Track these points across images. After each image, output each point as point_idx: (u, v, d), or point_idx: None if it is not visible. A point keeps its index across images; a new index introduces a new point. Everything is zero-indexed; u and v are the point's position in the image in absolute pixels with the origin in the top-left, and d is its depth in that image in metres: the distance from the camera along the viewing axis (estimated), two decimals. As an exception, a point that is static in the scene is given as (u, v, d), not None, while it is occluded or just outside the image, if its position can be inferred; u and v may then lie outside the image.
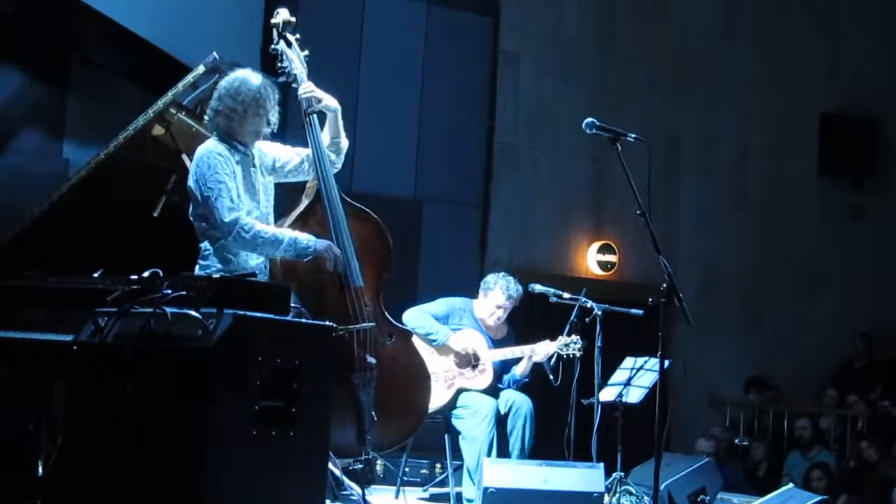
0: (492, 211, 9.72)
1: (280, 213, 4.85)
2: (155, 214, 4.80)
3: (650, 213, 4.60)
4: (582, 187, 10.10)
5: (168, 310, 3.44)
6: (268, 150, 4.77)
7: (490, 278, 6.25)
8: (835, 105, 11.02)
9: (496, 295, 6.15)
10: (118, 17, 6.90)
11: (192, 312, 3.41)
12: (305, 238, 4.61)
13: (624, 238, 10.03)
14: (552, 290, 6.22)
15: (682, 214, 10.57)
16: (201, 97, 4.89)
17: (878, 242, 10.99)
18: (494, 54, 9.79)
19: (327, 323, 3.95)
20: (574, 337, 6.08)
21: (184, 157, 4.82)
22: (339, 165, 4.99)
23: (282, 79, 4.91)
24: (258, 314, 3.54)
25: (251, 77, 4.56)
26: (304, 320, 4.33)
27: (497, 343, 6.20)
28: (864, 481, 8.27)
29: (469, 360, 6.02)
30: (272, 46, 4.96)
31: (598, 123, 4.66)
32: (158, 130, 4.79)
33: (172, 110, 4.78)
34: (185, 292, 3.50)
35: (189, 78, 4.77)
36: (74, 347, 3.55)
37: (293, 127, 5.07)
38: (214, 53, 4.82)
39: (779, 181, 10.95)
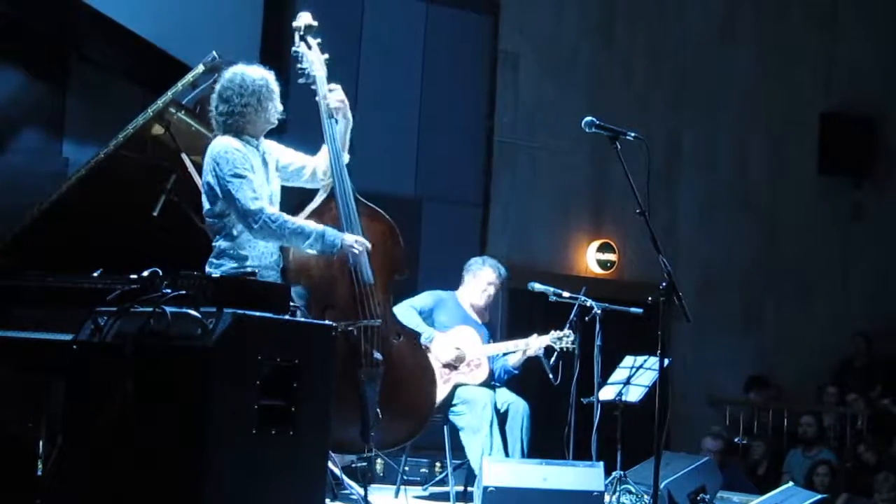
0: (491, 210, 9.73)
1: (290, 209, 4.85)
2: (155, 214, 4.80)
3: (650, 212, 4.60)
4: (582, 186, 10.11)
5: (168, 309, 3.44)
6: (274, 150, 4.80)
7: (474, 261, 6.34)
8: (835, 105, 11.02)
9: (487, 273, 6.22)
10: (118, 16, 6.89)
11: (192, 312, 3.41)
12: (332, 232, 4.62)
13: (624, 237, 10.03)
14: (552, 289, 6.21)
15: (682, 214, 10.58)
16: (201, 96, 4.89)
17: (878, 242, 10.99)
18: (494, 54, 9.80)
19: (327, 322, 3.95)
20: (566, 331, 6.09)
21: (183, 156, 4.83)
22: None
23: (301, 80, 4.99)
24: (258, 313, 3.55)
25: (249, 70, 4.57)
26: (303, 319, 4.33)
27: (486, 326, 6.24)
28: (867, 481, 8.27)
29: (461, 360, 5.99)
30: (293, 49, 5.02)
31: (597, 122, 4.66)
32: (158, 130, 4.79)
33: (172, 109, 4.77)
34: (184, 291, 3.51)
35: (188, 77, 4.77)
36: (74, 347, 3.56)
37: (298, 127, 5.07)
38: (214, 53, 4.82)
39: (779, 181, 10.95)
